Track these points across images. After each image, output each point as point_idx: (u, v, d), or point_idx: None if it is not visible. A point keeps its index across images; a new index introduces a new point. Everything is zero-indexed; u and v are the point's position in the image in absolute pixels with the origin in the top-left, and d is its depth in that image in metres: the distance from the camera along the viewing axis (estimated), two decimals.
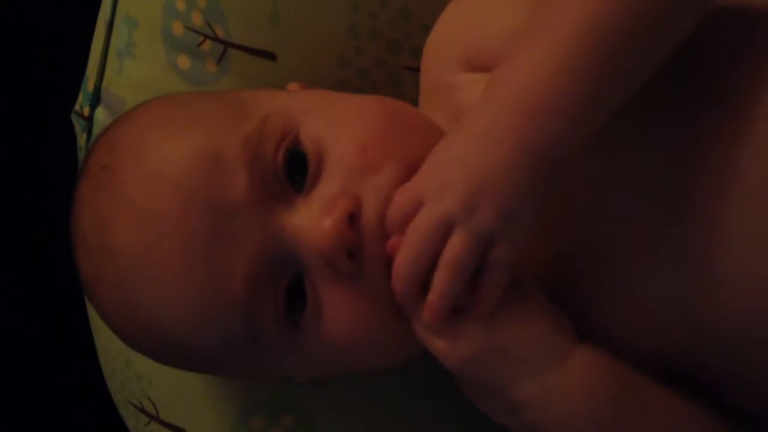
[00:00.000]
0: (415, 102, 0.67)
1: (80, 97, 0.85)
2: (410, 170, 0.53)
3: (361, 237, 0.53)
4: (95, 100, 0.83)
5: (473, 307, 0.53)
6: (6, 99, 0.98)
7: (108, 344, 0.80)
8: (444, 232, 0.51)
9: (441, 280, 0.51)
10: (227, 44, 0.73)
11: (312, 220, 0.54)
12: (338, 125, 0.56)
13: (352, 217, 0.53)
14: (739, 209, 0.53)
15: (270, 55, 0.72)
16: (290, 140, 0.56)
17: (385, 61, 0.71)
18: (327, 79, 0.71)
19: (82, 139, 0.85)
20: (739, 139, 0.54)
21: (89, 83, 0.83)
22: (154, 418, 0.80)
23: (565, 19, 0.51)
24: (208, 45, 0.74)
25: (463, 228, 0.51)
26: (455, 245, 0.51)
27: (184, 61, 0.75)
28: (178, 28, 0.74)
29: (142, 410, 0.80)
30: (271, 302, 0.55)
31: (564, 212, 0.57)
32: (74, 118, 0.86)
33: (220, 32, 0.73)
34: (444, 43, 0.63)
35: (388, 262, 0.54)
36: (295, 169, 0.56)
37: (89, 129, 0.83)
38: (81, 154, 0.85)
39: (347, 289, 0.54)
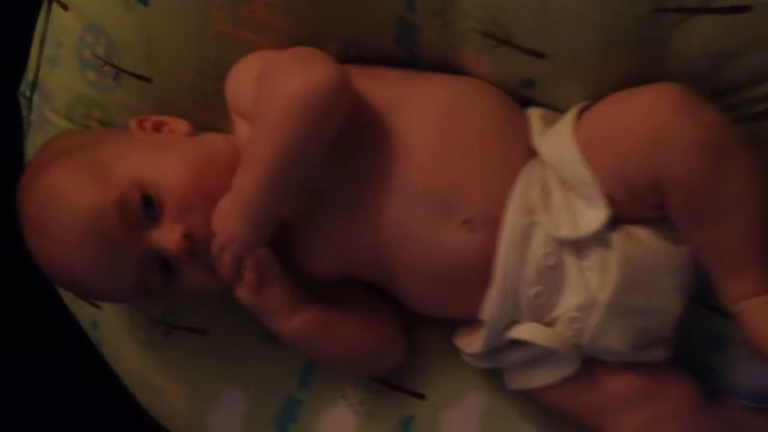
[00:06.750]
0: None
1: (23, 84, 1.18)
2: (214, 201, 0.95)
3: (195, 244, 0.95)
4: (33, 87, 1.16)
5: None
6: None
7: None
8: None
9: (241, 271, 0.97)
10: (120, 69, 1.08)
11: (165, 238, 0.96)
12: (169, 177, 0.95)
13: (188, 235, 0.95)
14: (378, 199, 0.96)
15: (146, 79, 1.08)
16: (142, 195, 0.95)
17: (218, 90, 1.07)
18: (183, 95, 1.08)
19: (26, 113, 1.19)
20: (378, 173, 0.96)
21: (30, 75, 1.16)
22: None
23: (262, 151, 0.91)
24: (107, 68, 1.09)
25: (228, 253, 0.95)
26: (225, 259, 0.96)
27: (92, 75, 1.10)
28: (87, 54, 1.09)
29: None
30: (157, 275, 0.98)
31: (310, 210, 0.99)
32: (20, 97, 1.19)
33: (115, 61, 1.08)
34: (228, 88, 1.00)
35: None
36: (148, 208, 0.96)
37: (30, 108, 1.18)
38: (26, 125, 1.19)
39: (192, 264, 0.98)
